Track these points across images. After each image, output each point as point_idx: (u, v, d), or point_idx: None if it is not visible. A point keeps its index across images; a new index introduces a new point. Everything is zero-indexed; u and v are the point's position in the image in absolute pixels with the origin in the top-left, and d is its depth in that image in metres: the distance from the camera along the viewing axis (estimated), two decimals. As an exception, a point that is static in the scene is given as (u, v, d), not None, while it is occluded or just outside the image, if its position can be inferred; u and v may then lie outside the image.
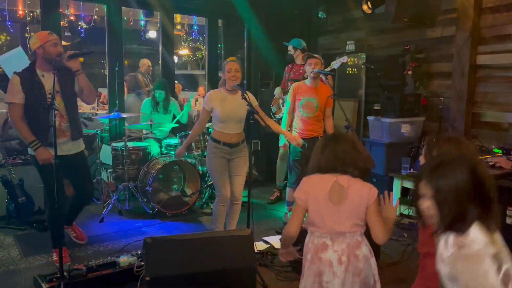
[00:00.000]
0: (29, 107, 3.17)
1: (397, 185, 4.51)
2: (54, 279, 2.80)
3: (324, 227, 1.94)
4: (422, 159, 2.12)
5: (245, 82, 6.07)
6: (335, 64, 4.76)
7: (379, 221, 1.94)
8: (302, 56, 4.87)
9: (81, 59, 3.40)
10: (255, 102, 3.52)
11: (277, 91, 5.23)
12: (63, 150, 3.25)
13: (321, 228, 1.95)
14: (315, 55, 4.40)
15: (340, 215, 1.93)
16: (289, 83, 4.96)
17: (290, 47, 5.22)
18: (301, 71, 4.98)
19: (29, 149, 3.28)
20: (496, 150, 4.13)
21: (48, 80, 3.19)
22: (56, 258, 3.40)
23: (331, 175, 1.96)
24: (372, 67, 5.23)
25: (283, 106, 5.05)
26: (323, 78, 4.29)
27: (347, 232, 1.93)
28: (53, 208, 3.19)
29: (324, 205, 1.94)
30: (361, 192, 1.94)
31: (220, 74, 6.76)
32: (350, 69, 5.79)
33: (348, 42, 5.98)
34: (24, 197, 4.19)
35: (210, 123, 4.33)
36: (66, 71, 3.24)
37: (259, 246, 3.64)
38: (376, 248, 3.49)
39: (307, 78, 4.35)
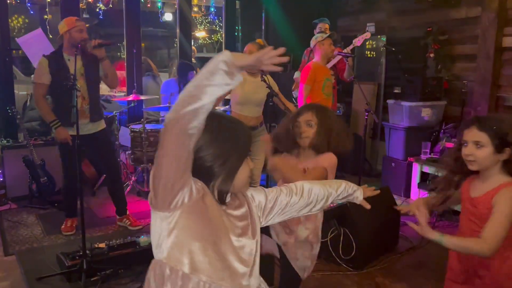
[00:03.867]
0: (54, 89, 3.36)
1: (416, 170, 4.45)
2: (77, 257, 2.87)
3: None
4: None
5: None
6: (358, 42, 4.60)
7: None
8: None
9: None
10: (275, 87, 3.45)
11: (297, 75, 5.15)
12: (83, 131, 3.34)
13: None
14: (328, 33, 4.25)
15: None
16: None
17: (322, 25, 4.88)
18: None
19: (52, 129, 3.44)
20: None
21: (73, 64, 3.30)
22: (63, 227, 3.64)
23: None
24: (393, 49, 5.11)
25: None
26: (344, 59, 4.22)
27: None
28: (66, 181, 3.53)
29: None
30: None
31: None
32: (369, 52, 5.67)
33: (368, 24, 5.84)
34: (45, 177, 4.27)
35: (226, 106, 4.32)
36: (92, 56, 3.43)
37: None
38: (394, 233, 3.48)
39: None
